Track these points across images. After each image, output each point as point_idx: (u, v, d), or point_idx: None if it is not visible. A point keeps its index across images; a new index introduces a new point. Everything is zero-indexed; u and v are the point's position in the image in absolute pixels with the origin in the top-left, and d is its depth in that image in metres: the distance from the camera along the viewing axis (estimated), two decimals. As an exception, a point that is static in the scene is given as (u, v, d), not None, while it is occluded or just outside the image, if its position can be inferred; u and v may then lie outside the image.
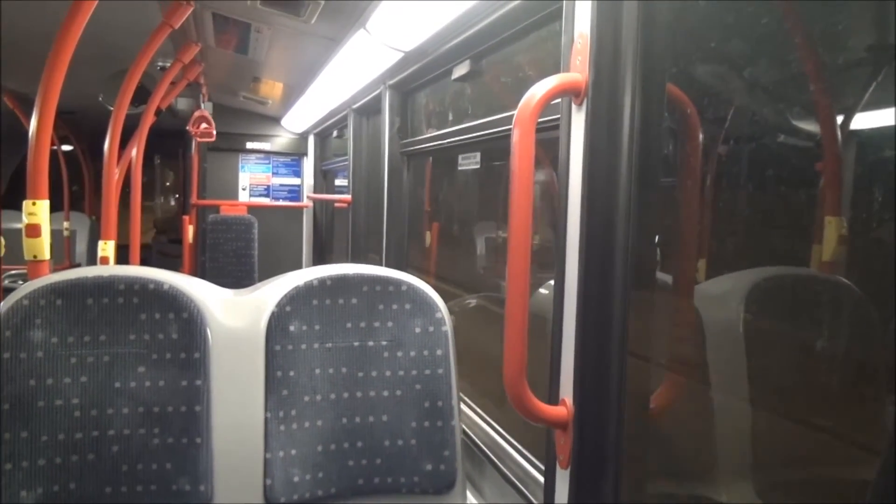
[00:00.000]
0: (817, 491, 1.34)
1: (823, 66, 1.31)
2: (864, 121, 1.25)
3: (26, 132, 2.15)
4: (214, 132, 5.24)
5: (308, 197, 6.75)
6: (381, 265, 2.68)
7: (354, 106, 4.19)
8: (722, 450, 1.60)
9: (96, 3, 2.07)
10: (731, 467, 1.58)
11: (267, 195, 6.79)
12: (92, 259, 6.59)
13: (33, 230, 2.11)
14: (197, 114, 5.15)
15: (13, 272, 5.23)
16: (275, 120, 6.50)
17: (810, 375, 1.35)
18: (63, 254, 6.56)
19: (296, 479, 1.70)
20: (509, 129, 1.40)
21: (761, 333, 1.57)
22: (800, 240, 1.38)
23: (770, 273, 1.54)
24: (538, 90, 1.38)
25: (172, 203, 10.06)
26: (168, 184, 10.09)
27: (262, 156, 6.73)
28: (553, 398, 1.53)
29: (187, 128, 5.21)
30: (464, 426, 2.09)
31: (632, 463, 1.44)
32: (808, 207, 1.35)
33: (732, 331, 1.57)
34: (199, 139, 5.44)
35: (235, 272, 5.99)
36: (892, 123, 1.17)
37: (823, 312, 1.37)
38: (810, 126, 1.36)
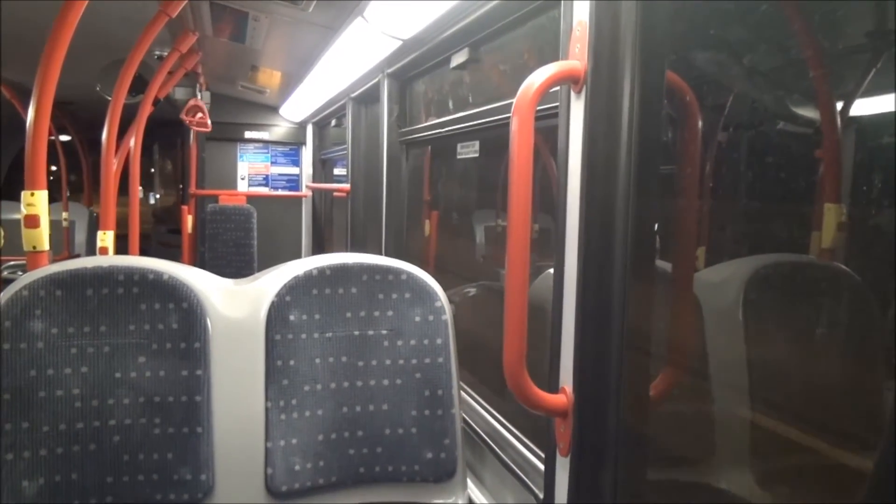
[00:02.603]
0: (813, 479, 1.34)
1: (823, 52, 1.30)
2: (864, 107, 1.25)
3: (24, 122, 2.15)
4: (209, 121, 5.21)
5: (307, 186, 6.74)
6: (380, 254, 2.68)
7: (353, 95, 4.18)
8: (720, 437, 1.60)
9: (93, -8, 2.06)
10: (730, 454, 1.58)
11: (266, 185, 6.78)
12: (91, 249, 6.59)
13: (32, 221, 2.11)
14: (191, 103, 5.10)
15: (12, 263, 5.23)
16: (273, 109, 6.48)
17: (809, 363, 1.36)
18: (62, 244, 6.56)
19: (297, 467, 1.71)
20: (508, 118, 1.40)
21: (761, 320, 1.57)
22: (799, 227, 1.38)
23: (769, 260, 1.54)
24: (537, 78, 1.38)
25: (152, 201, 9.95)
26: (153, 170, 9.99)
27: (260, 145, 6.71)
28: (553, 386, 1.53)
29: (181, 116, 5.17)
30: (464, 415, 2.10)
31: (631, 450, 1.45)
32: (808, 194, 1.35)
33: (732, 318, 1.58)
34: (194, 128, 5.41)
35: (235, 262, 5.98)
36: (892, 110, 1.17)
37: (822, 299, 1.37)
38: (810, 113, 1.36)
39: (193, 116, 5.13)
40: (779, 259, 1.53)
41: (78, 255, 6.51)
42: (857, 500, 0.82)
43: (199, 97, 5.17)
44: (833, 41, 1.30)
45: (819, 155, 1.34)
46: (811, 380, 1.36)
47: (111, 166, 3.20)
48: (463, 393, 2.32)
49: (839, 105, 1.28)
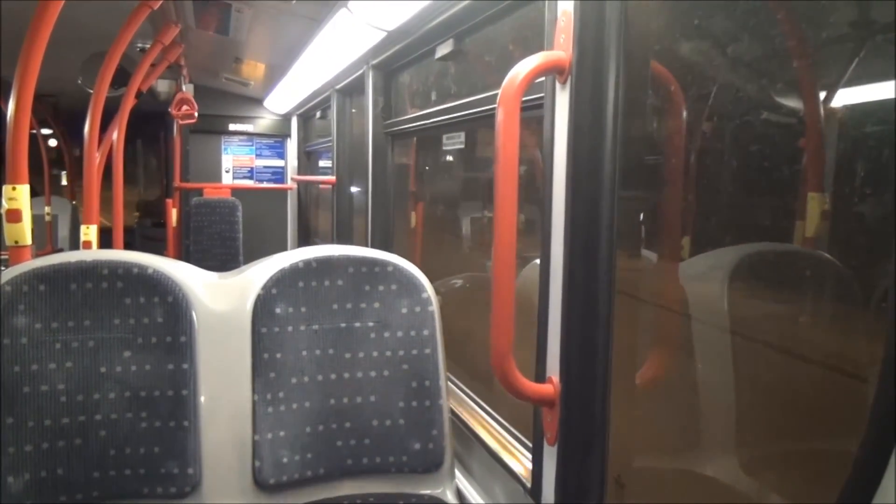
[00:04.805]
0: (798, 465, 1.36)
1: (806, 42, 1.31)
2: (847, 97, 1.26)
3: (4, 115, 2.12)
4: (196, 114, 5.18)
5: (292, 179, 6.71)
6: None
7: (338, 86, 4.16)
8: (706, 424, 1.61)
9: (73, -18, 2.03)
10: (716, 441, 1.60)
11: (250, 177, 6.75)
12: (74, 244, 6.54)
13: (14, 215, 2.09)
14: (179, 96, 5.09)
15: None
16: (257, 101, 6.44)
17: (793, 350, 1.37)
18: (45, 239, 6.50)
19: (284, 460, 1.71)
20: (494, 108, 1.39)
21: (746, 309, 1.58)
22: (783, 216, 1.39)
23: (753, 249, 1.55)
24: (522, 69, 1.37)
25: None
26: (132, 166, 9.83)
27: (244, 138, 6.68)
28: (540, 376, 1.54)
29: (169, 110, 5.15)
30: (451, 405, 2.10)
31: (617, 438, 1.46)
32: (791, 184, 1.36)
33: (717, 306, 1.59)
34: (181, 121, 5.38)
35: (220, 255, 5.96)
36: (874, 99, 1.18)
37: (806, 287, 1.38)
38: (793, 102, 1.36)
39: (180, 109, 5.11)
40: (763, 248, 1.54)
41: (61, 250, 6.46)
42: (839, 487, 0.83)
43: (183, 89, 5.14)
44: (817, 31, 1.31)
45: (802, 144, 1.34)
46: (795, 368, 1.37)
47: (94, 160, 3.17)
48: (450, 383, 2.33)
49: (822, 95, 1.29)
